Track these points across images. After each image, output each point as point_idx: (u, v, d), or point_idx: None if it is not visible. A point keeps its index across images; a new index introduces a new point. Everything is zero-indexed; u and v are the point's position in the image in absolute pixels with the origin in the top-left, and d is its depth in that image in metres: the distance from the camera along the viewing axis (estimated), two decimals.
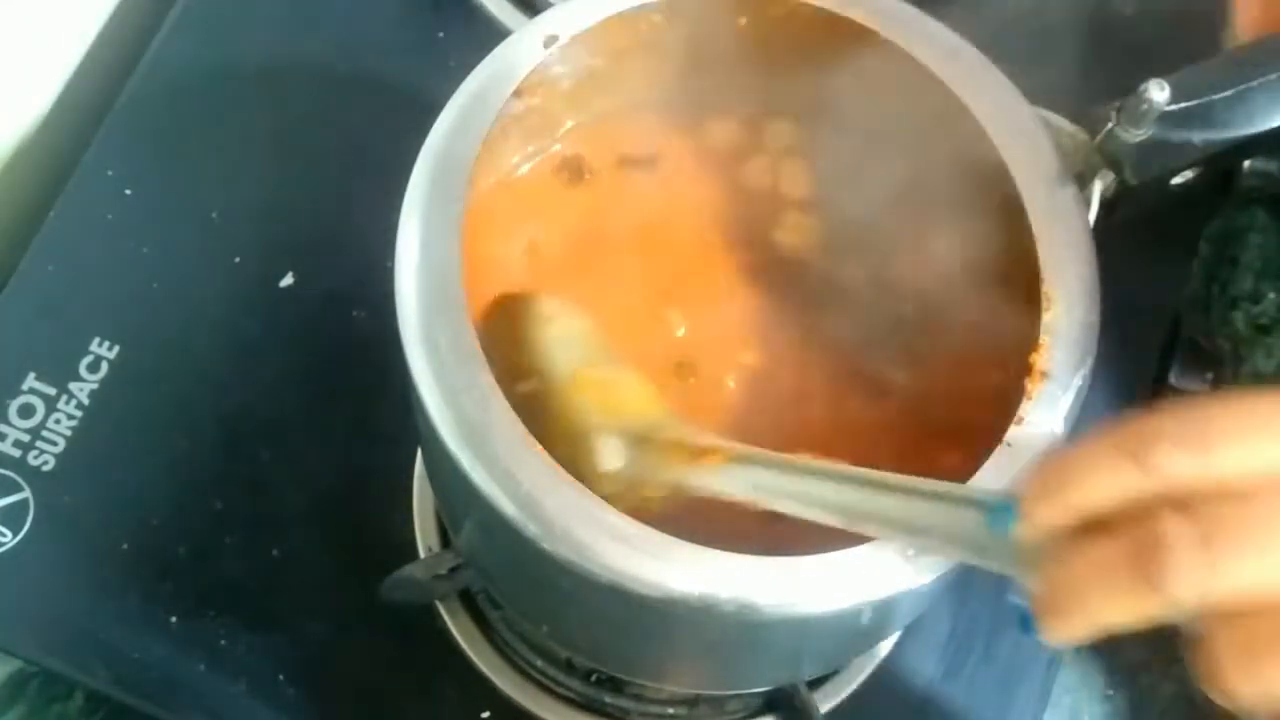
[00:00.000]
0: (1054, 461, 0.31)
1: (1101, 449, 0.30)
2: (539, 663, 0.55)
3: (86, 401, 0.57)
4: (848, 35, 0.46)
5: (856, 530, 0.37)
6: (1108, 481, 0.30)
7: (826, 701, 0.56)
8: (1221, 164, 0.44)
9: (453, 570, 0.53)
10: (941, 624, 0.58)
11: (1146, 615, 0.29)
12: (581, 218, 0.49)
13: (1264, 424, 0.29)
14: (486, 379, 0.39)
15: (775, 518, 0.39)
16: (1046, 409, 0.40)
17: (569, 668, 0.55)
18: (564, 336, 0.44)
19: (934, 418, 0.45)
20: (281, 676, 0.55)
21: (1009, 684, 0.57)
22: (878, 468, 0.37)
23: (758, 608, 0.37)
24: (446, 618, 0.56)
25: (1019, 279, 0.43)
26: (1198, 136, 0.43)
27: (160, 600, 0.55)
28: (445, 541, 0.56)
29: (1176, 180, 0.44)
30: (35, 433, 0.57)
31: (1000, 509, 0.32)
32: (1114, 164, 0.43)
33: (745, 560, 0.38)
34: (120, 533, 0.56)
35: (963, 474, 0.39)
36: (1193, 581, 0.28)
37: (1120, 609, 0.29)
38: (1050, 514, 0.31)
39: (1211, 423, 0.29)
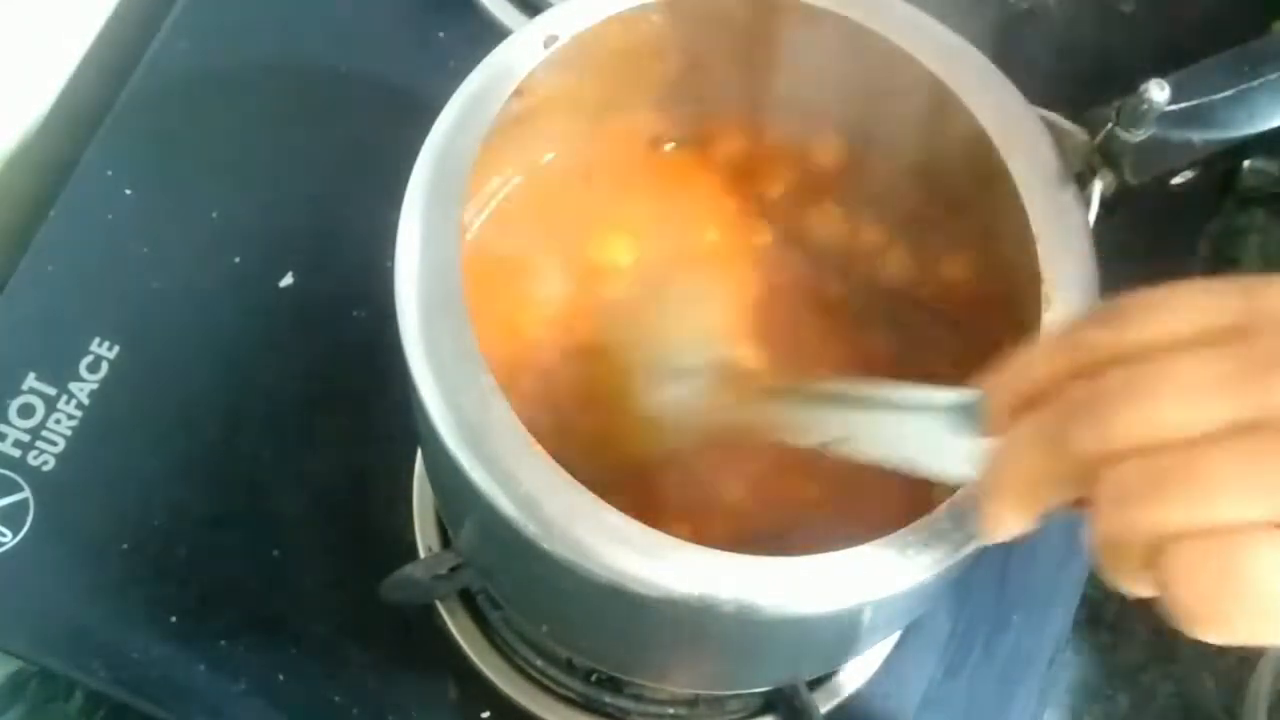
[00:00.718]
0: (1007, 360, 0.34)
1: (1043, 340, 0.33)
2: (539, 663, 0.55)
3: (86, 401, 0.57)
4: (848, 35, 0.46)
5: (841, 454, 0.38)
6: (1043, 361, 0.32)
7: (826, 701, 0.56)
8: (1221, 164, 0.44)
9: (453, 570, 0.53)
10: (941, 624, 0.58)
11: (1059, 479, 0.30)
12: (582, 217, 0.49)
13: (1164, 301, 0.31)
14: (486, 379, 0.39)
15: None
16: None
17: (569, 668, 0.55)
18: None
19: None
20: (281, 676, 0.55)
21: (1009, 684, 0.57)
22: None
23: (758, 608, 0.37)
24: (446, 618, 0.56)
25: (1019, 279, 0.43)
26: (1198, 136, 0.43)
27: (160, 600, 0.55)
28: (445, 541, 0.56)
29: (1176, 180, 0.44)
30: (35, 433, 0.57)
31: (968, 407, 0.34)
32: (1114, 164, 0.43)
33: (745, 560, 0.38)
34: (120, 533, 0.56)
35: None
36: (1085, 435, 0.30)
37: (1038, 476, 0.31)
38: (1001, 400, 0.33)
39: (1124, 303, 0.32)
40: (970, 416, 0.34)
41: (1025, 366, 0.33)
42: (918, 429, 0.36)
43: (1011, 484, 0.32)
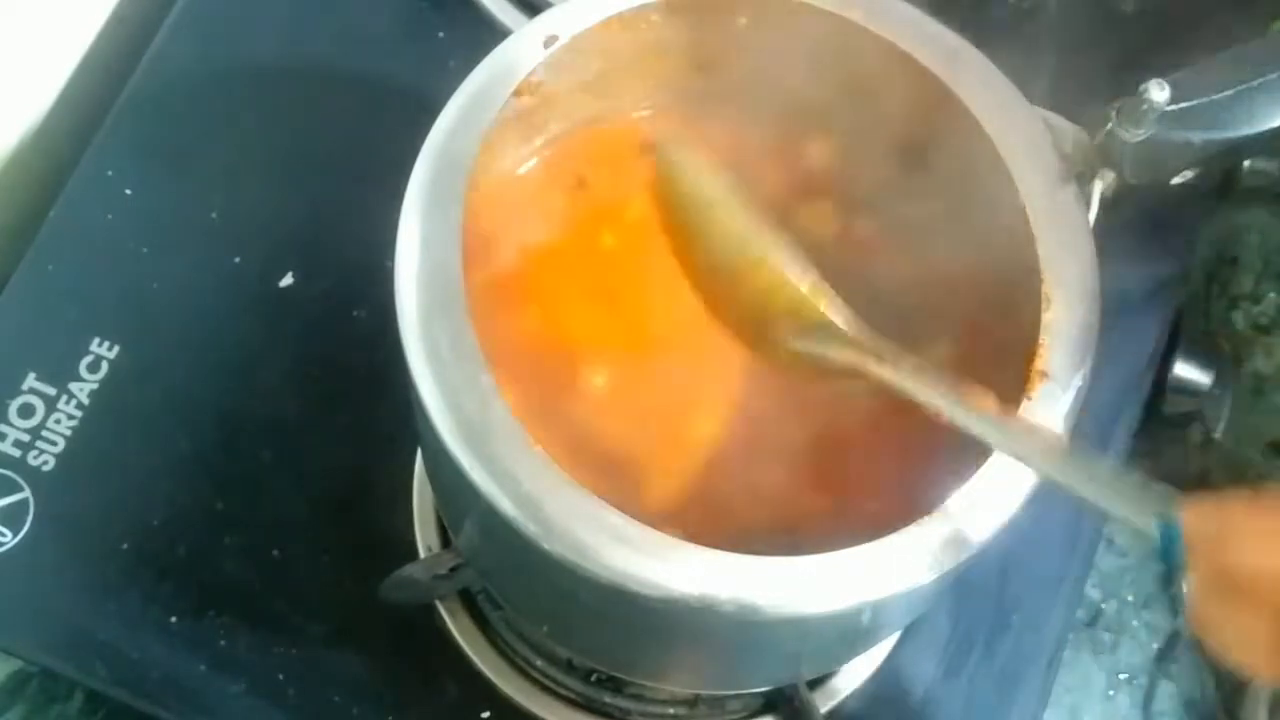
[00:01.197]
0: (1222, 513, 0.33)
1: (1259, 512, 0.33)
2: (539, 663, 0.55)
3: (86, 401, 0.57)
4: (847, 35, 0.46)
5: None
6: (1261, 543, 0.32)
7: (826, 701, 0.56)
8: (1221, 164, 0.44)
9: (453, 570, 0.53)
10: (941, 624, 0.58)
11: None
12: (581, 217, 0.49)
13: None
14: (486, 379, 0.39)
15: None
16: (1046, 409, 0.40)
17: (569, 668, 0.55)
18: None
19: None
20: (281, 676, 0.55)
21: (1009, 684, 0.57)
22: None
23: (758, 608, 0.38)
24: (446, 618, 0.56)
25: (1019, 279, 0.43)
26: (1198, 136, 0.43)
27: (160, 600, 0.55)
28: (445, 541, 0.56)
29: (1176, 180, 0.44)
30: (35, 433, 0.57)
31: (1167, 535, 0.34)
32: (1114, 164, 0.43)
33: (745, 560, 0.38)
34: (120, 533, 0.56)
35: (960, 475, 0.39)
36: None
37: (1260, 672, 0.32)
38: (1208, 566, 0.33)
39: None
40: (1167, 537, 0.34)
41: (1236, 539, 0.32)
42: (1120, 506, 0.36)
43: (1226, 651, 0.33)
